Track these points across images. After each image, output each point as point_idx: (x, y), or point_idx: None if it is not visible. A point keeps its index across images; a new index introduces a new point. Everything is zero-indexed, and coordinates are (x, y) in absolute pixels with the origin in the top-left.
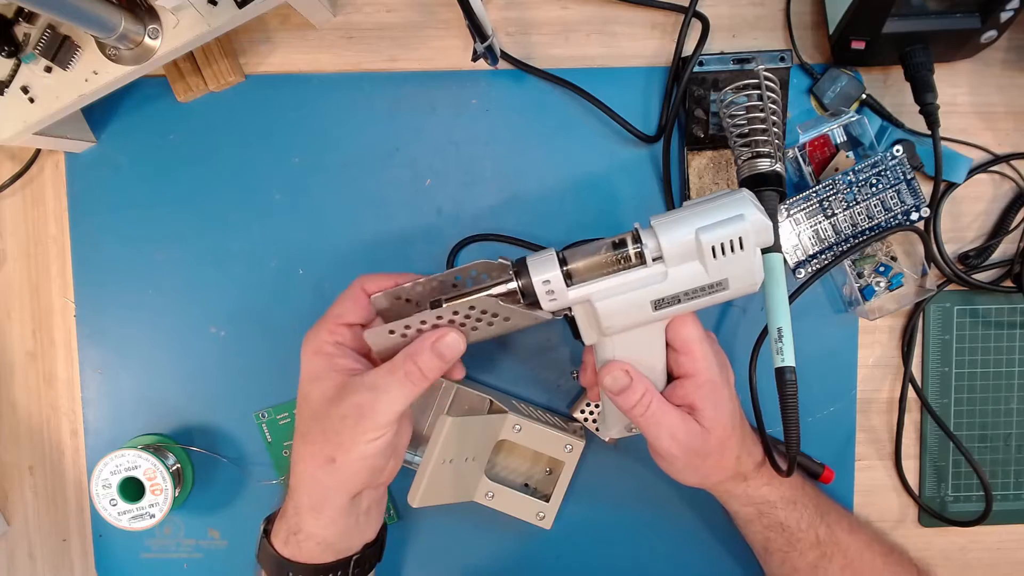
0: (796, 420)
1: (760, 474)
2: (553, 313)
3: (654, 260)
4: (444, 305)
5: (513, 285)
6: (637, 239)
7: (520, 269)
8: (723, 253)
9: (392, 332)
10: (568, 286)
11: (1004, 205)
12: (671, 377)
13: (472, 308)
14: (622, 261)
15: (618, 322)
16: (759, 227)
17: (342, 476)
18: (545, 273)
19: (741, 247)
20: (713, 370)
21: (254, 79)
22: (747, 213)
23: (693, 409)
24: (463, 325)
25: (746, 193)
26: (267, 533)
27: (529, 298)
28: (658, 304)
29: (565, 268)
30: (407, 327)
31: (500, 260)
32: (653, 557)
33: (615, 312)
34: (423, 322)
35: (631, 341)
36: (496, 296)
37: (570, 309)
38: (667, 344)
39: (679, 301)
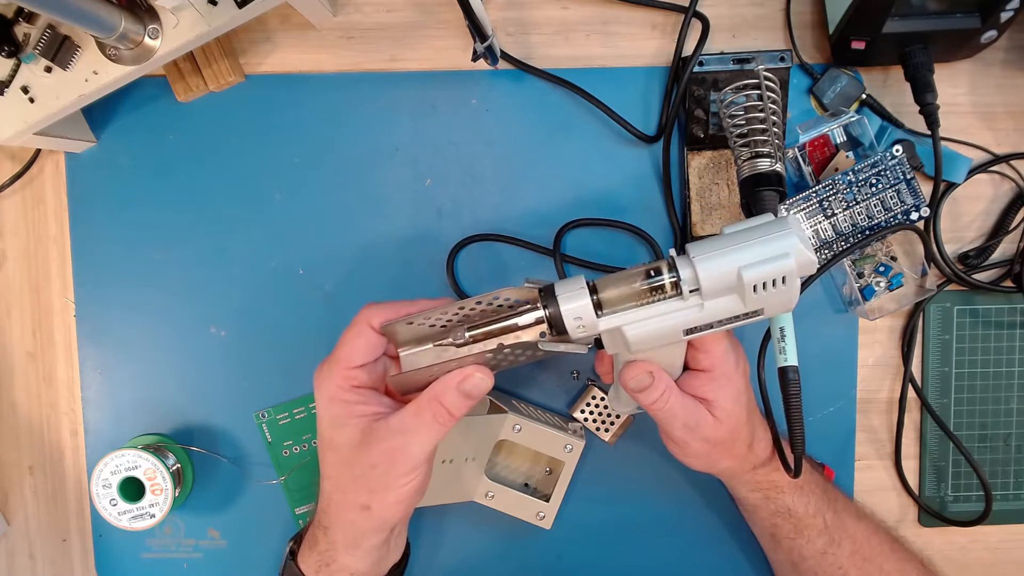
0: (800, 419)
1: (770, 461)
2: (581, 342)
3: (691, 292)
4: (468, 335)
5: (540, 314)
6: (672, 268)
7: (548, 299)
8: (764, 289)
9: (421, 366)
10: (598, 316)
11: (1004, 205)
12: (686, 366)
13: (502, 346)
14: (656, 291)
15: (647, 346)
16: (804, 263)
17: (378, 520)
18: (574, 304)
19: (784, 283)
20: (729, 365)
21: (254, 79)
22: (792, 251)
23: (707, 401)
24: (491, 360)
25: (791, 225)
26: (293, 555)
27: (558, 329)
28: (690, 331)
29: (595, 297)
30: (431, 365)
31: (526, 284)
32: (653, 557)
33: (645, 339)
34: (448, 358)
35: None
36: (523, 328)
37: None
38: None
39: (711, 327)
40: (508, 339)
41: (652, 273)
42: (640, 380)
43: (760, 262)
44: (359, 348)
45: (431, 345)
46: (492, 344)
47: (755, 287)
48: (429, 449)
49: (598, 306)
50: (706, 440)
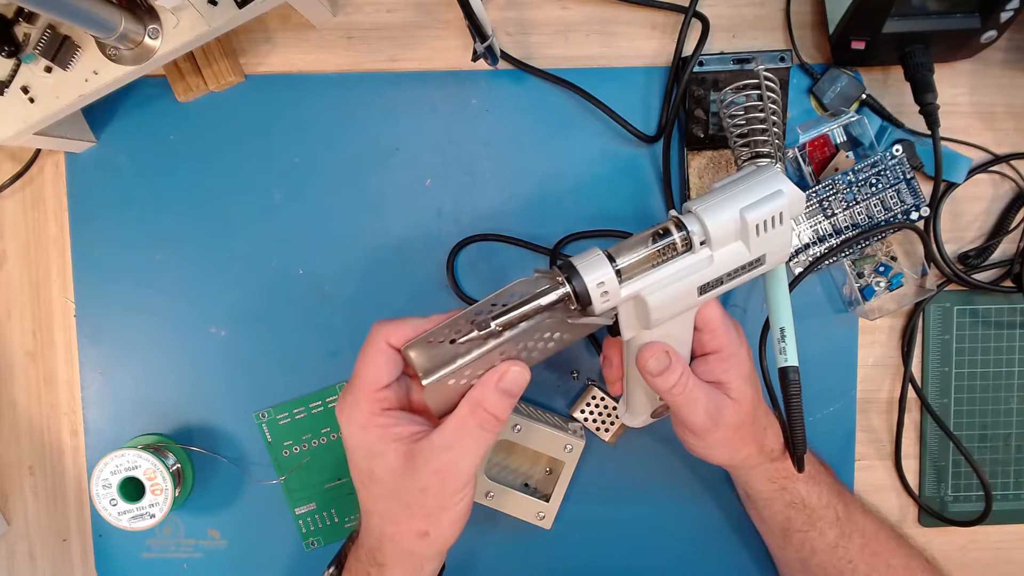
0: (801, 419)
1: (784, 451)
2: (604, 315)
3: (701, 245)
4: (494, 324)
5: (565, 290)
6: (680, 226)
7: (570, 273)
8: (766, 230)
9: (452, 381)
10: (620, 283)
11: (1004, 205)
12: (693, 356)
13: (528, 326)
14: (667, 251)
15: (666, 313)
16: (795, 199)
17: (438, 543)
18: (597, 273)
19: (781, 222)
20: (735, 345)
21: (254, 79)
22: (785, 188)
23: (720, 384)
24: (522, 352)
25: (778, 167)
26: None
27: (583, 302)
28: (703, 289)
29: (615, 266)
30: (464, 369)
31: (536, 274)
32: (653, 557)
33: (665, 303)
34: (479, 356)
35: (665, 328)
36: (547, 306)
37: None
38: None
39: (721, 283)
40: (536, 316)
41: (661, 233)
42: (660, 360)
43: (759, 201)
44: (381, 367)
45: (456, 347)
46: (519, 325)
47: (757, 228)
48: (478, 461)
49: (618, 274)
50: (729, 425)
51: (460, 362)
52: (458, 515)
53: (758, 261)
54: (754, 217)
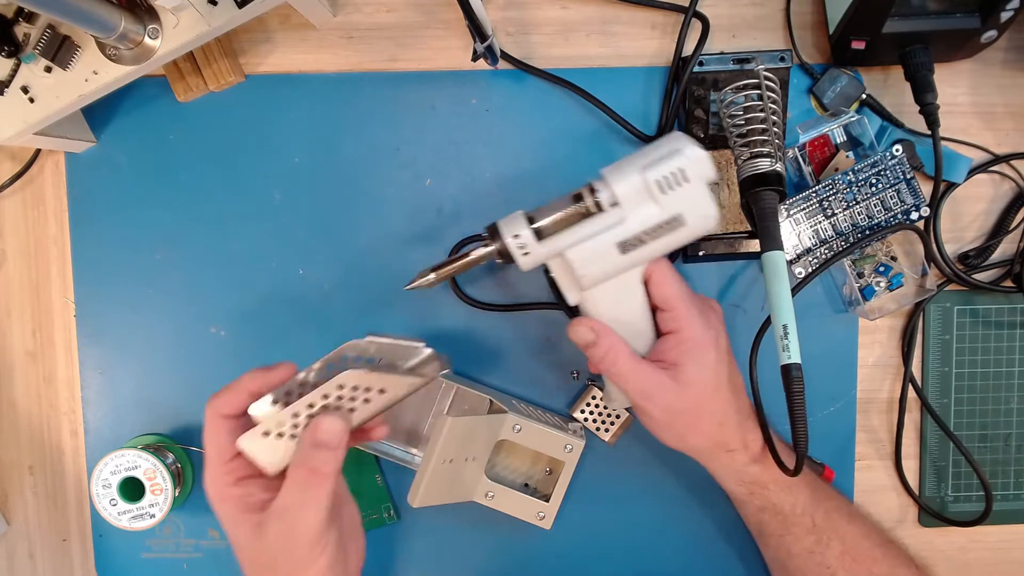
0: (803, 417)
1: (748, 450)
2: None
3: (611, 206)
4: (299, 391)
5: (492, 248)
6: (591, 189)
7: (493, 232)
8: (670, 187)
9: (266, 434)
10: (539, 241)
11: (1004, 205)
12: (659, 334)
13: (339, 387)
14: (584, 211)
15: (591, 270)
16: (696, 157)
17: None
18: (515, 228)
19: (686, 179)
20: (696, 328)
21: (254, 79)
22: (683, 147)
23: (673, 365)
24: (338, 406)
25: (681, 133)
26: None
27: (504, 256)
28: (624, 247)
29: (534, 225)
30: (285, 423)
31: (368, 336)
32: (653, 557)
33: (586, 259)
34: (295, 414)
35: (611, 299)
36: (476, 260)
37: (549, 270)
38: (654, 305)
39: (643, 242)
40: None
41: (577, 197)
42: (583, 335)
43: (656, 160)
44: (223, 441)
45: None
46: (325, 387)
47: (660, 184)
48: (321, 517)
49: (537, 233)
50: (666, 409)
51: (275, 416)
52: (324, 567)
53: (676, 221)
54: (654, 175)
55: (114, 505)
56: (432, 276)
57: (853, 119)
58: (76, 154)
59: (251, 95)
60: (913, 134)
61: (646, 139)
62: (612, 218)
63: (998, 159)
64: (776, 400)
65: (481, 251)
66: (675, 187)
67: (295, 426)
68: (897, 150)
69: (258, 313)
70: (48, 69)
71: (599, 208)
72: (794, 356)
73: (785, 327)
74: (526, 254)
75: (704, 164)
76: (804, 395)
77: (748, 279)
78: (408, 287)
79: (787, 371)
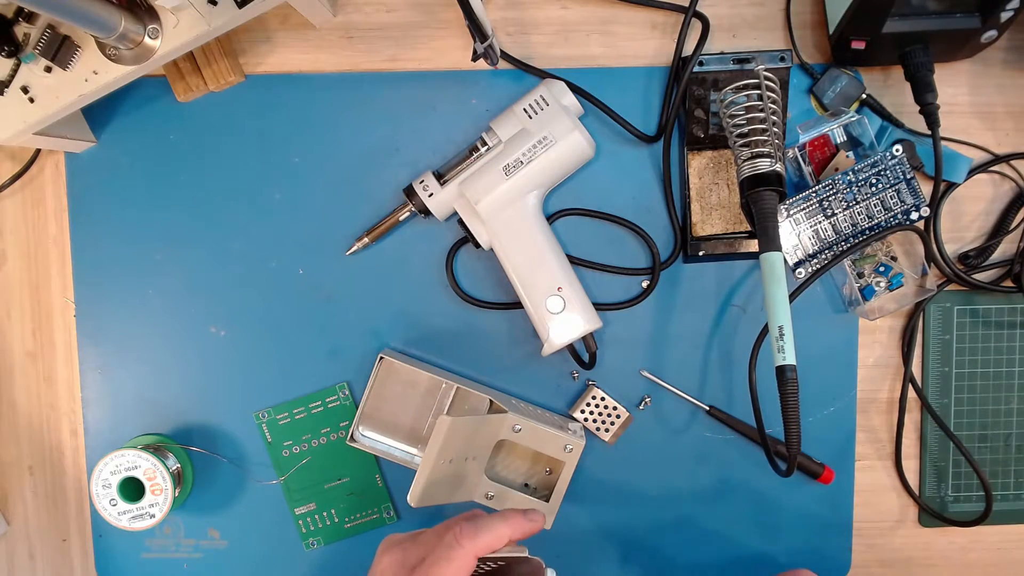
0: (797, 419)
1: None
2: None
3: (496, 144)
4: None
5: (409, 204)
6: (483, 140)
7: (408, 191)
8: (535, 112)
9: None
10: (442, 185)
11: (1004, 205)
12: None
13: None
14: (476, 152)
15: (484, 196)
16: (552, 86)
17: None
18: (421, 177)
19: (547, 103)
20: None
21: (254, 79)
22: (546, 80)
23: None
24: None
25: (551, 77)
26: None
27: (417, 204)
28: (507, 169)
29: (436, 172)
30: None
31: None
32: (653, 557)
33: (478, 188)
34: None
35: (514, 235)
36: (395, 216)
37: (456, 214)
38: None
39: (522, 163)
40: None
41: (473, 150)
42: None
43: (524, 97)
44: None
45: None
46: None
47: (527, 112)
48: None
49: (439, 177)
50: None
51: None
52: None
53: (546, 140)
54: (521, 104)
55: (114, 505)
56: (366, 239)
57: (853, 119)
58: (76, 154)
59: (251, 95)
60: (913, 134)
61: (646, 139)
62: (496, 150)
63: (998, 159)
64: (772, 400)
65: (400, 209)
66: (539, 111)
67: None
68: (897, 150)
69: (258, 313)
70: (48, 69)
71: (487, 147)
72: (789, 358)
73: (781, 328)
74: (431, 195)
75: (558, 87)
76: (798, 396)
77: (750, 279)
78: (349, 252)
79: (781, 372)
